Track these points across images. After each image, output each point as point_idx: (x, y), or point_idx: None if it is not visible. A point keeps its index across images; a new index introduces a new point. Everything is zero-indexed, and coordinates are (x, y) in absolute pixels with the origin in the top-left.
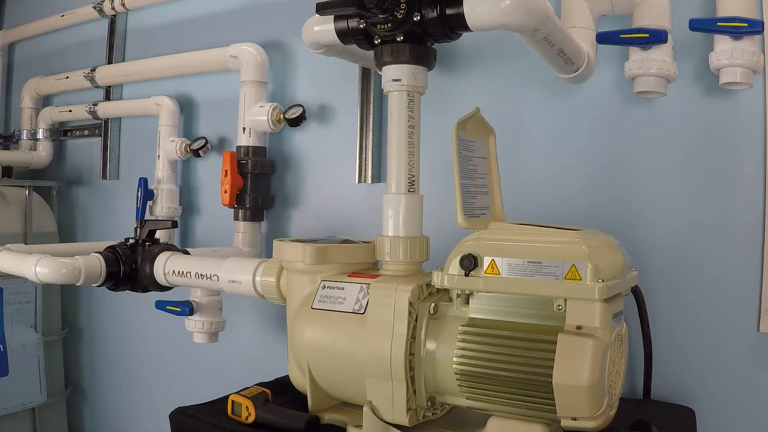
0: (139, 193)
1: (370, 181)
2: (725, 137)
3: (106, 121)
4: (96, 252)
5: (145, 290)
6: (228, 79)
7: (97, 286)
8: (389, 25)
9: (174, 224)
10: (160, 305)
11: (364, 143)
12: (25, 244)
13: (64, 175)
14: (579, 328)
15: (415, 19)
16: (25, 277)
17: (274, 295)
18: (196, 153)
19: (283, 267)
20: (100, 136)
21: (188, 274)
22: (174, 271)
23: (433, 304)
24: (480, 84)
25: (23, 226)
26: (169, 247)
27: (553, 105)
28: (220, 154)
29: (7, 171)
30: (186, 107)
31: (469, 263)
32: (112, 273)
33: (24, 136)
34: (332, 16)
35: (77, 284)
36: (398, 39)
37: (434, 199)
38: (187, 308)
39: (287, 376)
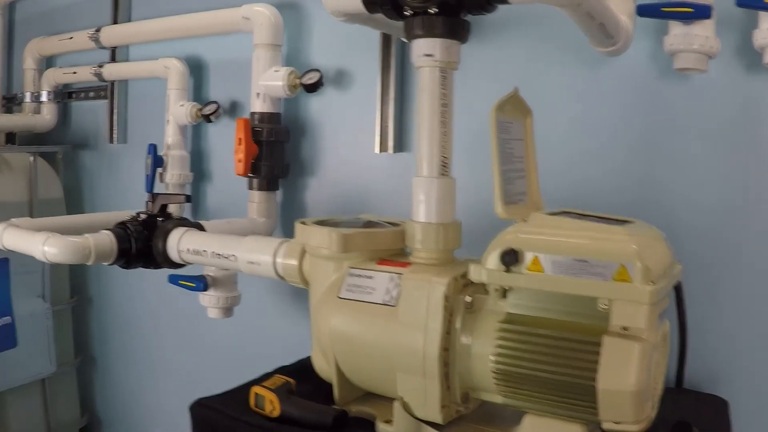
0: (149, 160)
1: (391, 150)
2: (766, 117)
3: (113, 83)
4: (106, 229)
5: (158, 267)
6: (240, 41)
7: (109, 264)
8: None
9: (188, 199)
10: (173, 280)
11: (385, 111)
12: (31, 211)
13: (69, 139)
14: (625, 329)
15: None
16: (33, 255)
17: (296, 279)
18: (207, 118)
19: (306, 250)
20: (107, 98)
21: (204, 252)
22: (189, 249)
23: (469, 298)
24: (509, 55)
25: (28, 194)
26: (182, 223)
27: (585, 79)
28: (232, 119)
29: (11, 137)
30: (196, 70)
31: (511, 259)
32: (123, 251)
33: (27, 98)
34: None
35: (88, 263)
36: (431, 11)
37: (461, 177)
38: (201, 283)
39: (309, 358)
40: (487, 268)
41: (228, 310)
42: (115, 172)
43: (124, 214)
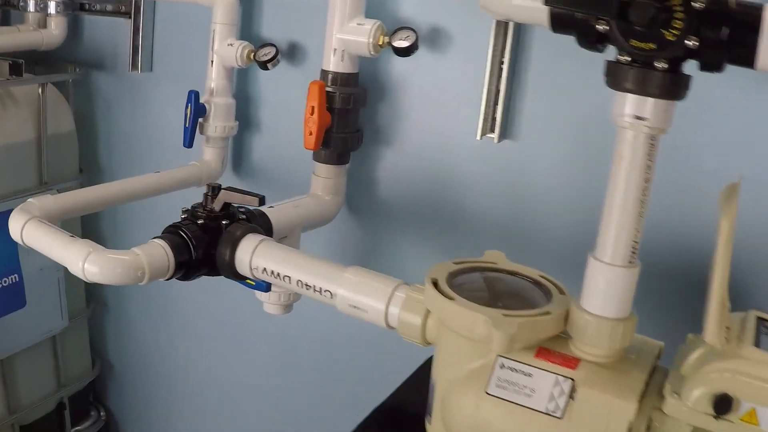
0: (189, 109)
1: (496, 138)
2: None
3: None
4: (158, 237)
5: (218, 275)
6: None
7: (165, 280)
8: (652, 45)
9: (261, 201)
10: None
11: (492, 87)
12: (40, 152)
13: (80, 58)
14: None
15: (688, 44)
16: (70, 269)
17: (414, 337)
18: (263, 65)
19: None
20: (129, 16)
21: (287, 279)
22: (266, 269)
23: (648, 422)
24: None
25: (36, 130)
26: (253, 228)
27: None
28: (288, 63)
29: (16, 68)
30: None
31: (724, 407)
32: (181, 263)
33: (31, 7)
34: None
35: (141, 284)
36: (658, 65)
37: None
38: (264, 284)
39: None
40: (690, 407)
41: (288, 307)
42: (137, 104)
43: (170, 179)
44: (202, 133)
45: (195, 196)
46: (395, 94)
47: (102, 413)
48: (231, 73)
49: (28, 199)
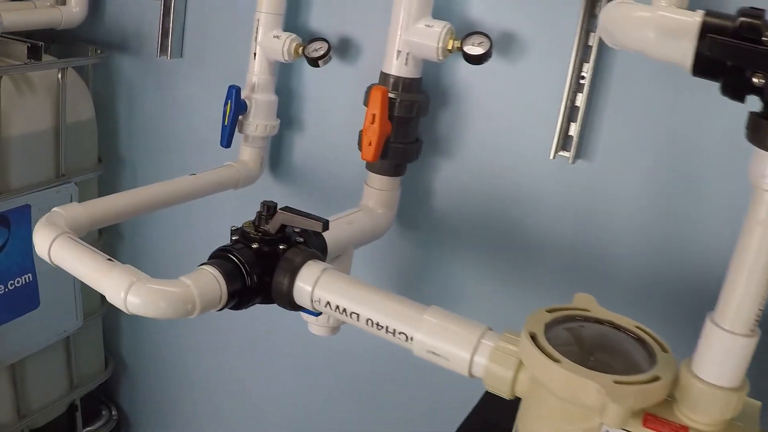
0: (229, 106)
1: (570, 158)
2: None
3: None
4: (208, 265)
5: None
6: None
7: (217, 311)
8: None
9: (325, 226)
10: None
11: (571, 102)
12: (58, 142)
13: (101, 39)
14: None
15: None
16: (108, 299)
17: (503, 392)
18: (313, 62)
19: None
20: None
21: (354, 316)
22: (330, 303)
23: None
24: None
25: (55, 119)
26: (313, 254)
27: None
28: (340, 59)
29: (35, 52)
30: None
31: None
32: (234, 293)
33: None
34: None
35: (190, 317)
36: None
37: None
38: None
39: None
40: None
41: (336, 329)
42: (164, 93)
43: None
44: (240, 131)
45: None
46: (459, 103)
47: (114, 412)
48: (275, 67)
49: (54, 209)
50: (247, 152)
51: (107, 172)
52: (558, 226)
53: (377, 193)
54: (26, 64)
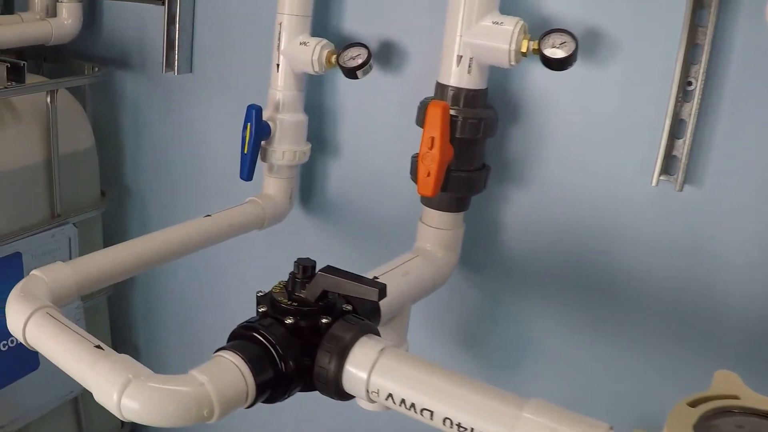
0: (249, 129)
1: (677, 185)
2: None
3: None
4: (226, 350)
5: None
6: None
7: (245, 408)
8: None
9: (382, 293)
10: None
11: (674, 114)
12: (51, 176)
13: (99, 55)
14: None
15: None
16: (97, 399)
17: None
18: (350, 72)
19: None
20: (162, 2)
21: (427, 412)
22: (392, 395)
23: None
24: None
25: (45, 150)
26: (366, 328)
27: None
28: (381, 68)
29: (16, 72)
30: None
31: None
32: (265, 384)
33: None
34: None
35: (209, 422)
36: None
37: None
38: None
39: None
40: None
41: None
42: (173, 114)
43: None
44: (264, 159)
45: None
46: (532, 118)
47: None
48: (302, 80)
49: (33, 272)
50: (272, 184)
51: (112, 207)
52: (660, 264)
53: (436, 232)
54: (6, 87)
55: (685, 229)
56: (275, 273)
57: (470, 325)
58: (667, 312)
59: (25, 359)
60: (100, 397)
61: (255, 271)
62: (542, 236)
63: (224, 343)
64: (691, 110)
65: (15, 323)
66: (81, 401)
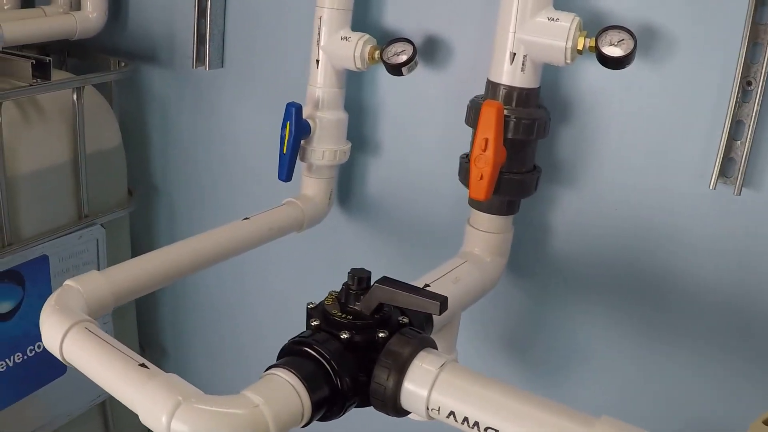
0: (288, 129)
1: (735, 189)
2: None
3: None
4: (279, 368)
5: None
6: None
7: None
8: None
9: (443, 306)
10: None
11: (733, 115)
12: (77, 175)
13: (125, 50)
14: None
15: None
16: (144, 421)
17: None
18: (395, 69)
19: None
20: None
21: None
22: (454, 413)
23: None
24: None
25: (72, 149)
26: (425, 342)
27: None
28: (426, 65)
29: (42, 69)
30: None
31: None
32: (321, 402)
33: None
34: None
35: None
36: None
37: None
38: None
39: None
40: None
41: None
42: (203, 111)
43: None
44: (302, 159)
45: None
46: (585, 118)
47: None
48: (343, 77)
49: (67, 282)
50: (311, 185)
51: (140, 208)
52: (718, 273)
53: (485, 236)
54: (32, 84)
55: (743, 234)
56: (308, 276)
57: (516, 330)
58: (723, 321)
59: (53, 364)
60: (147, 419)
61: (287, 274)
62: (592, 239)
63: (251, 345)
64: (750, 111)
65: (51, 339)
66: (109, 405)
